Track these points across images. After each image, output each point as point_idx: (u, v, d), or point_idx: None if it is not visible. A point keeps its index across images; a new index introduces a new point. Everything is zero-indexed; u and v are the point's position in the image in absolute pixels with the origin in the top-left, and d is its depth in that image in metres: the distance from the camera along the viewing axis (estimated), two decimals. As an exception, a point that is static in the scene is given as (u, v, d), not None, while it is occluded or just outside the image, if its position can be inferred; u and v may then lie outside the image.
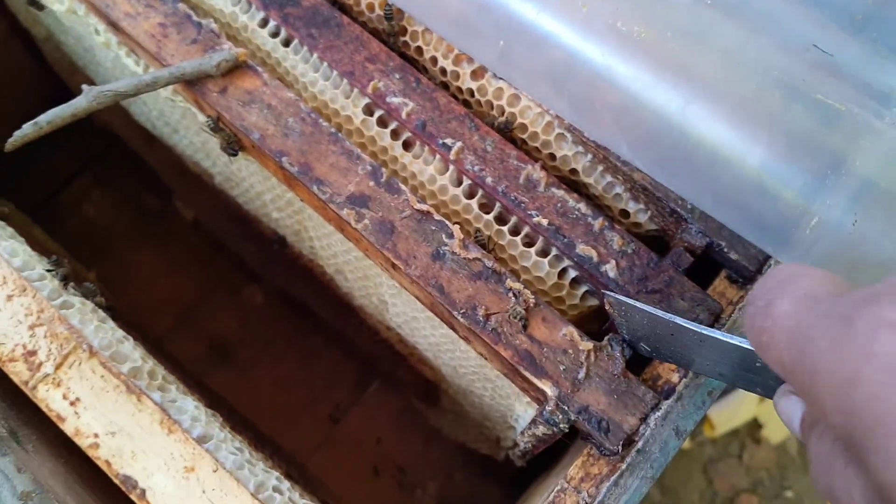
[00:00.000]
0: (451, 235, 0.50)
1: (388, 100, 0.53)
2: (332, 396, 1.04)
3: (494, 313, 0.48)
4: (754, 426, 1.36)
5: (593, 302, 0.51)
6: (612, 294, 0.45)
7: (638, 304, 0.43)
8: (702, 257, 0.51)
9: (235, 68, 0.54)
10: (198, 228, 1.06)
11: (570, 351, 0.47)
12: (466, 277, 0.49)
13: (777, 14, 0.48)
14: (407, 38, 0.56)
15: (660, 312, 0.43)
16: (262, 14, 0.56)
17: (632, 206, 0.52)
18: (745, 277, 0.50)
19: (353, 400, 1.04)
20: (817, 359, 0.30)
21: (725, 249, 0.49)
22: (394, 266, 0.50)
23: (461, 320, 0.48)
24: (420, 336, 0.66)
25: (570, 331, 0.47)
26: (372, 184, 0.51)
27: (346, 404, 1.04)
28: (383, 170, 0.51)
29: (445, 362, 0.67)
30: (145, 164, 0.99)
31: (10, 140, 0.54)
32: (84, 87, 0.54)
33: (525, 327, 0.48)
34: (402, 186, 0.51)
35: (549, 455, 0.64)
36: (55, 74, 0.94)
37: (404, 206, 0.51)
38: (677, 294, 0.49)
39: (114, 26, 0.57)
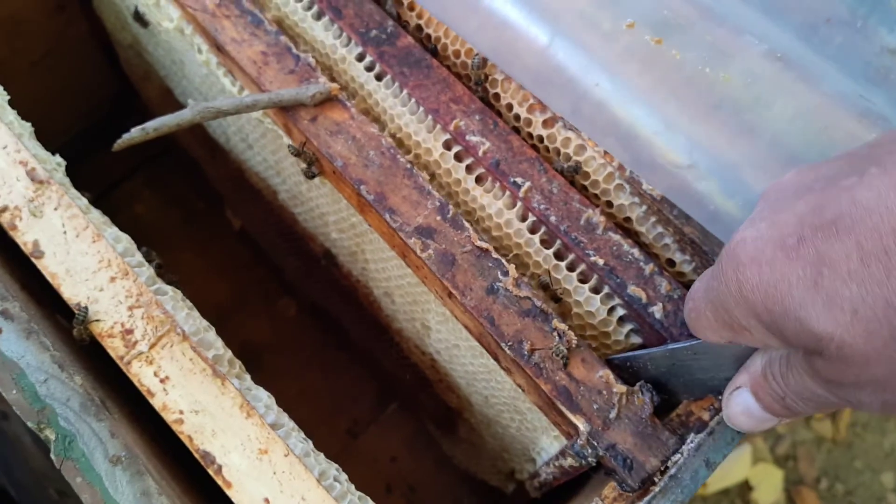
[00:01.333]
0: (506, 273, 0.55)
1: (467, 137, 0.59)
2: (353, 412, 1.08)
3: (538, 349, 0.53)
4: (745, 488, 1.39)
5: (637, 340, 0.56)
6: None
7: (634, 353, 0.49)
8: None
9: (327, 100, 0.60)
10: (243, 238, 1.11)
11: (605, 392, 0.52)
12: (516, 313, 0.54)
13: (826, 67, 0.54)
14: (487, 84, 0.62)
15: (652, 350, 0.48)
16: (359, 49, 0.62)
17: (678, 257, 0.58)
18: (776, 331, 0.55)
19: (372, 418, 1.08)
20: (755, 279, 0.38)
21: (762, 304, 0.55)
22: (450, 295, 0.55)
23: (507, 352, 0.53)
24: (458, 363, 0.70)
25: (607, 373, 0.52)
26: (439, 218, 0.57)
27: (365, 421, 1.08)
28: (451, 206, 0.57)
29: (478, 391, 0.71)
30: (198, 171, 1.05)
31: (118, 142, 0.60)
32: (190, 101, 0.60)
33: (566, 365, 0.52)
34: (466, 223, 0.56)
35: (561, 491, 0.68)
36: (124, 77, 1.00)
37: (466, 241, 0.56)
38: (715, 339, 0.54)
39: (218, 48, 0.63)
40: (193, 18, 0.64)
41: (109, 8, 0.84)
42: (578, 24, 0.57)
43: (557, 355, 0.52)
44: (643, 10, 0.56)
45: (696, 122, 0.54)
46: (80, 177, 1.07)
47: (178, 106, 0.81)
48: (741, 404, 0.46)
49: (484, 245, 0.56)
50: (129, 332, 0.53)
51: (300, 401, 1.07)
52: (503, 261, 0.55)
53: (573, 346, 0.53)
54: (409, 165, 0.58)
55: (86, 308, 0.52)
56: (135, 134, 0.60)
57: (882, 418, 1.57)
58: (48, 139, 0.61)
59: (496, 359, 0.56)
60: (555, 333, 0.53)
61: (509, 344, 0.53)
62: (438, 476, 1.05)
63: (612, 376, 0.52)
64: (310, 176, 0.62)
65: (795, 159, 0.52)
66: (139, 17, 0.73)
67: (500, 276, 0.55)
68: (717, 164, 0.54)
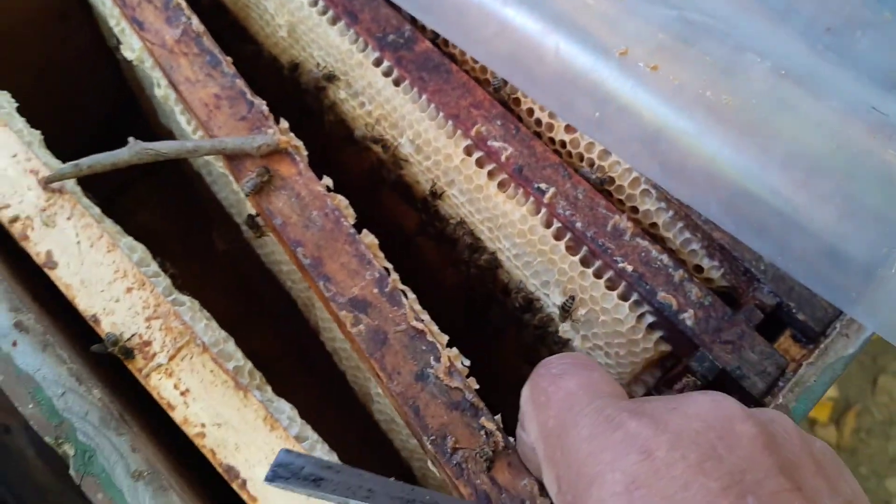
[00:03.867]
0: (438, 359, 0.51)
1: (489, 143, 0.58)
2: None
3: (462, 448, 0.48)
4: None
5: (665, 347, 0.55)
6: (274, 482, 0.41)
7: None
8: (769, 315, 0.55)
9: (275, 152, 0.57)
10: (229, 262, 1.09)
11: (528, 503, 0.47)
12: (444, 404, 0.50)
13: (835, 79, 0.53)
14: (507, 89, 0.61)
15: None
16: (376, 54, 0.61)
17: (706, 263, 0.57)
18: (808, 337, 0.54)
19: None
20: (573, 438, 0.37)
21: (794, 310, 0.54)
22: (378, 376, 0.51)
23: (429, 447, 0.49)
24: (396, 437, 0.68)
25: (533, 483, 0.47)
26: (376, 291, 0.53)
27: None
28: (390, 280, 0.53)
29: (416, 468, 0.69)
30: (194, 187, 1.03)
31: (49, 175, 0.55)
32: (130, 140, 0.56)
33: (489, 468, 0.48)
34: (404, 300, 0.53)
35: None
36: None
37: (401, 319, 0.52)
38: (748, 347, 0.53)
39: (173, 86, 0.60)
40: (152, 52, 0.61)
41: (101, 21, 0.83)
42: (581, 40, 0.55)
43: (482, 457, 0.48)
44: (638, 34, 0.54)
45: (702, 142, 0.52)
46: (87, 185, 1.06)
47: (165, 127, 0.80)
48: None
49: (419, 326, 0.52)
50: (147, 343, 0.51)
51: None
52: (437, 345, 0.51)
53: (500, 448, 0.48)
54: (351, 230, 0.55)
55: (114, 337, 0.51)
56: (67, 169, 0.55)
57: (887, 423, 1.57)
58: (56, 147, 0.59)
59: (423, 448, 0.51)
60: (482, 433, 0.49)
61: (432, 438, 0.48)
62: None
63: (537, 487, 0.47)
64: (253, 230, 0.59)
65: (815, 173, 0.50)
66: (114, 45, 0.71)
67: (433, 362, 0.51)
68: (725, 185, 0.52)
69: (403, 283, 0.54)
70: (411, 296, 0.54)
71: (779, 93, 0.51)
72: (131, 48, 0.64)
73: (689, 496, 0.32)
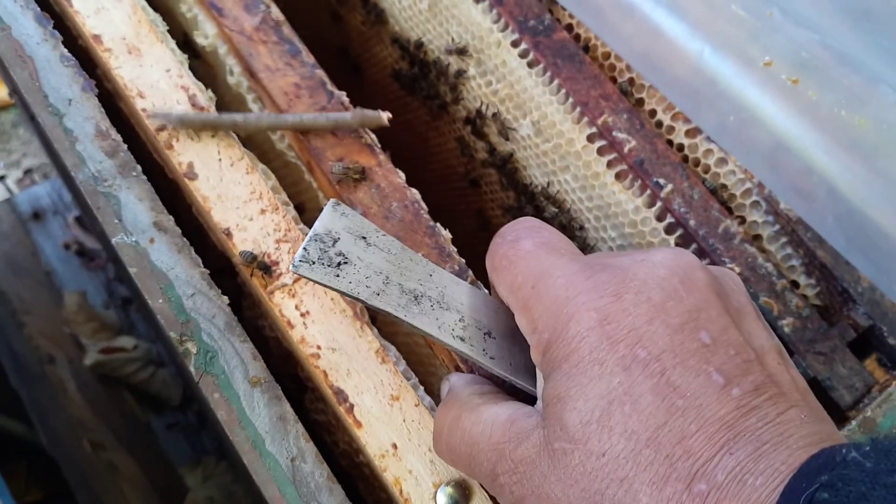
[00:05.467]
0: None
1: (614, 134, 0.61)
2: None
3: None
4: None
5: (756, 351, 0.57)
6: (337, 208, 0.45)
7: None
8: (860, 336, 0.57)
9: (355, 144, 0.58)
10: None
11: None
12: None
13: None
14: (633, 88, 0.64)
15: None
16: (515, 35, 0.64)
17: (803, 280, 0.59)
18: (894, 363, 0.56)
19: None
20: (549, 287, 0.41)
21: (886, 334, 0.56)
22: (458, 369, 0.52)
23: None
24: None
25: None
26: None
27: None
28: (469, 272, 0.54)
29: None
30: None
31: (160, 113, 0.57)
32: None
33: None
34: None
35: None
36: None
37: None
38: (839, 361, 0.55)
39: (251, 74, 0.61)
40: (229, 39, 0.61)
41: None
42: (727, 47, 0.59)
43: None
44: (782, 49, 0.57)
45: (831, 159, 0.55)
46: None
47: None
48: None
49: None
50: (276, 263, 0.53)
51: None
52: None
53: None
54: (431, 223, 0.55)
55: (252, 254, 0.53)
56: (176, 115, 0.56)
57: None
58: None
59: None
60: None
61: None
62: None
63: None
64: None
65: None
66: (186, 41, 0.68)
67: None
68: (845, 203, 0.55)
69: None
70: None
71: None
72: (204, 35, 0.63)
73: (652, 329, 0.38)
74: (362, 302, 0.45)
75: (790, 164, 0.54)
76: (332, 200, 0.46)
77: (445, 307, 0.46)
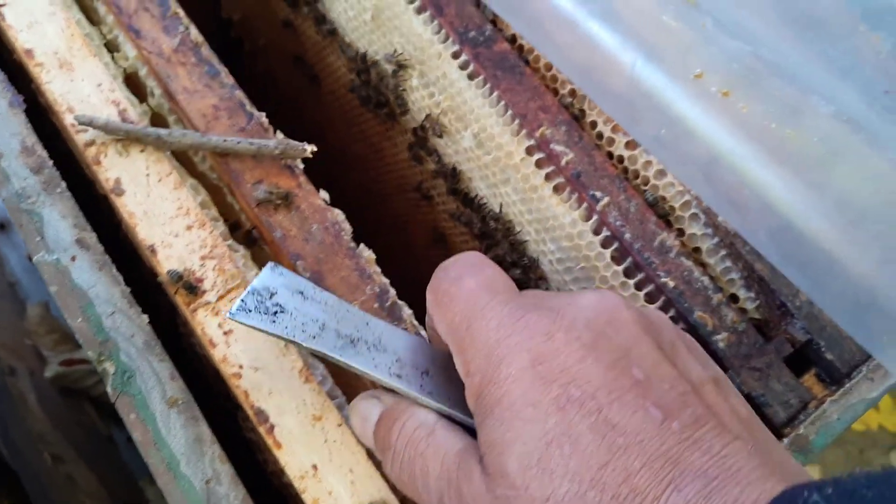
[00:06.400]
0: None
1: (551, 146, 0.60)
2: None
3: None
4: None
5: (693, 367, 0.56)
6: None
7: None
8: (798, 351, 0.56)
9: (273, 166, 0.57)
10: None
11: None
12: None
13: (891, 135, 0.55)
14: (574, 100, 0.63)
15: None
16: (456, 47, 0.63)
17: (742, 293, 0.58)
18: (833, 378, 0.55)
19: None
20: (481, 329, 0.41)
21: (823, 349, 0.55)
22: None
23: None
24: None
25: None
26: (376, 306, 0.54)
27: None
28: (391, 292, 0.54)
29: None
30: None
31: (85, 117, 0.56)
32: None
33: None
34: (405, 314, 0.53)
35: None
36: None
37: None
38: (775, 377, 0.54)
39: (170, 95, 0.60)
40: (148, 61, 0.60)
41: None
42: (658, 58, 0.57)
43: None
44: (713, 61, 0.56)
45: (762, 172, 0.54)
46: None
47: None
48: (365, 411, 0.48)
49: None
50: (200, 280, 0.53)
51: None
52: None
53: None
54: (352, 244, 0.55)
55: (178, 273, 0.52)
56: (100, 122, 0.55)
57: None
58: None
59: None
60: None
61: None
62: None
63: None
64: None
65: (862, 220, 0.52)
66: (108, 46, 0.65)
67: None
68: (777, 217, 0.54)
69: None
70: (408, 311, 0.55)
71: (839, 137, 0.53)
72: (125, 57, 0.62)
73: (584, 368, 0.38)
74: (298, 345, 0.45)
75: (723, 177, 0.54)
76: (269, 263, 0.47)
77: (382, 350, 0.47)
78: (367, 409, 0.48)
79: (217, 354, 0.51)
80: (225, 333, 0.51)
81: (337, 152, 0.96)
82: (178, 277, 0.52)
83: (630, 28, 0.55)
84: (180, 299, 0.52)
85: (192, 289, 0.52)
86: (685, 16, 0.54)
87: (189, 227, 0.54)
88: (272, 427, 0.49)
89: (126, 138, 0.56)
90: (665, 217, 0.60)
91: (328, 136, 0.95)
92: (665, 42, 0.54)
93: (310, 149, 0.57)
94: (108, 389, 0.49)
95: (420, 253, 0.87)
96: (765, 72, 0.53)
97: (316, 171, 1.07)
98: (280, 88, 0.99)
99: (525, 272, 0.66)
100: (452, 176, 0.69)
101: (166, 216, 0.54)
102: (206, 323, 0.51)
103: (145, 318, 0.51)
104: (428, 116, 0.67)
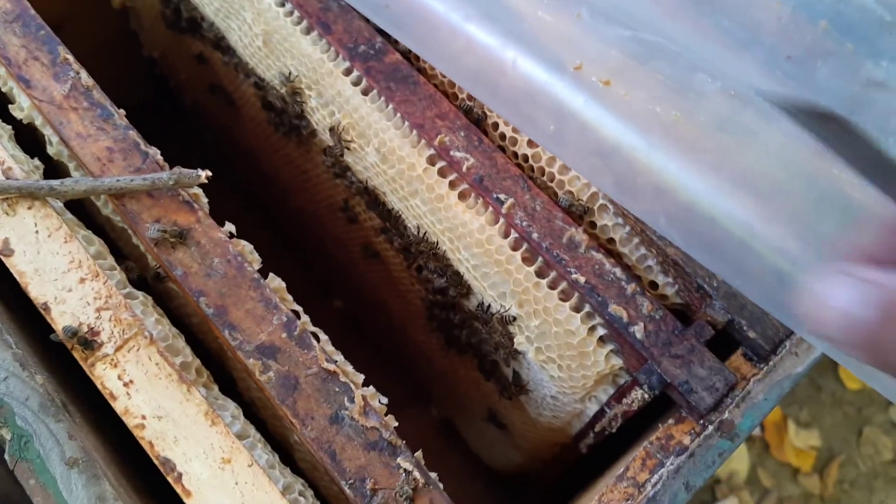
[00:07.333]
0: (352, 400, 0.51)
1: (451, 153, 0.59)
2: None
3: (382, 488, 0.48)
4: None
5: (617, 361, 0.55)
6: None
7: None
8: (722, 332, 0.55)
9: (172, 203, 0.55)
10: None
11: None
12: (361, 446, 0.50)
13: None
14: (474, 103, 0.62)
15: None
16: (346, 64, 0.62)
17: (661, 279, 0.57)
18: (759, 356, 0.54)
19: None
20: None
21: (745, 328, 0.54)
22: (291, 423, 0.51)
23: (347, 491, 0.48)
24: (321, 484, 0.66)
25: None
26: (284, 335, 0.52)
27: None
28: (298, 323, 0.53)
29: None
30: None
31: None
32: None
33: None
34: (314, 342, 0.52)
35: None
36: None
37: (312, 362, 0.51)
38: (697, 362, 0.53)
39: (65, 143, 0.58)
40: (41, 110, 0.58)
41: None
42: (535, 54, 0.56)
43: (402, 496, 0.48)
44: (591, 51, 0.54)
45: (651, 157, 0.53)
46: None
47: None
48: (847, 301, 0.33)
49: (331, 367, 0.51)
50: (96, 333, 0.51)
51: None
52: (351, 385, 0.51)
53: (420, 485, 0.48)
54: (256, 276, 0.54)
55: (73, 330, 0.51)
56: None
57: (871, 475, 1.55)
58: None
59: (342, 493, 0.50)
60: (401, 471, 0.49)
61: (350, 482, 0.48)
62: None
63: None
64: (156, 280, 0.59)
65: (758, 193, 0.51)
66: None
67: (347, 403, 0.50)
68: (672, 201, 0.52)
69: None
70: (323, 337, 0.53)
71: (727, 112, 0.51)
72: (20, 107, 0.61)
73: None
74: None
75: (616, 166, 0.52)
76: None
77: None
78: (849, 298, 0.33)
79: (119, 407, 0.49)
80: (125, 385, 0.50)
81: (269, 178, 0.95)
82: (72, 334, 0.50)
83: (505, 26, 0.53)
84: (77, 355, 0.51)
85: (88, 343, 0.50)
86: (560, 8, 0.53)
87: (82, 280, 0.53)
88: (180, 476, 0.48)
89: (19, 195, 0.55)
90: (574, 212, 0.58)
91: (261, 162, 0.93)
92: (543, 37, 0.53)
93: (204, 174, 0.56)
94: (6, 457, 0.47)
95: (361, 267, 0.85)
96: (644, 55, 0.52)
97: (253, 199, 1.05)
98: (210, 119, 0.98)
99: (449, 281, 0.65)
100: (366, 192, 0.68)
101: (58, 271, 0.53)
102: (106, 376, 0.50)
103: (40, 379, 0.49)
104: (332, 134, 0.66)
